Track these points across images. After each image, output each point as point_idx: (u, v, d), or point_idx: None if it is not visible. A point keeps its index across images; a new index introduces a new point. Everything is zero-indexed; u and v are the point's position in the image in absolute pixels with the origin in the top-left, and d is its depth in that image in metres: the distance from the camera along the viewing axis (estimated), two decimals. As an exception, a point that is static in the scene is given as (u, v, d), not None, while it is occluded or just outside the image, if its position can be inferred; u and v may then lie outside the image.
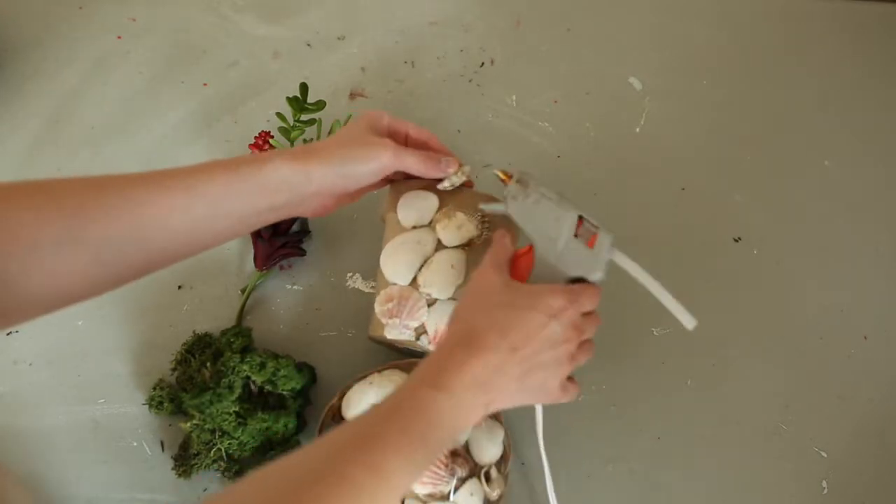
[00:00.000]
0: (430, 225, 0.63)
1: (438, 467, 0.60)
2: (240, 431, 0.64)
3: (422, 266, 0.63)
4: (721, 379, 0.69)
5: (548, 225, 0.54)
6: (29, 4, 0.88)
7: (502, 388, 0.49)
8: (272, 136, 0.74)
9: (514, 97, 0.80)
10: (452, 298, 0.62)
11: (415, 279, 0.63)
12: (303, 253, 0.74)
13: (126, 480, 0.68)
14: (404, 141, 0.59)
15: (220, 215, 0.52)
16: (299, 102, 0.73)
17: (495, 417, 0.63)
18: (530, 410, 0.61)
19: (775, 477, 0.66)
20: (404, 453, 0.44)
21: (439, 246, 0.63)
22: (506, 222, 0.61)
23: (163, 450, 0.69)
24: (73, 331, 0.73)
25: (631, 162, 0.77)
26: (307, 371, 0.68)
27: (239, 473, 0.65)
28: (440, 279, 0.61)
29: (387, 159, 0.55)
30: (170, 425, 0.69)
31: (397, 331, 0.62)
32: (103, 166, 0.79)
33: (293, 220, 0.73)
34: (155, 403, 0.68)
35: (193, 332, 0.71)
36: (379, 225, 0.67)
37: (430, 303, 0.62)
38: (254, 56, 0.84)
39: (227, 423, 0.64)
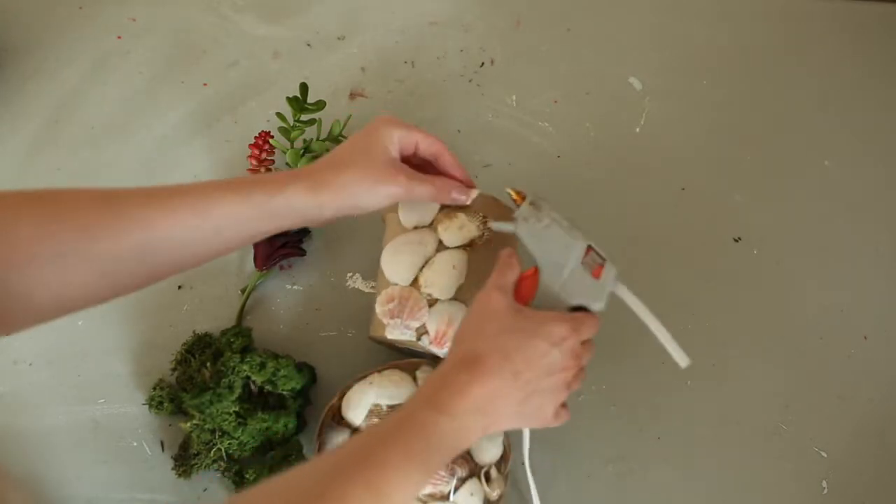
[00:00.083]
0: (432, 225, 0.63)
1: (438, 467, 0.60)
2: (240, 431, 0.64)
3: (423, 266, 0.63)
4: (721, 379, 0.69)
5: (556, 251, 0.54)
6: (29, 4, 0.88)
7: (502, 412, 0.50)
8: (272, 136, 0.74)
9: (514, 97, 0.80)
10: (454, 299, 0.62)
11: (416, 280, 0.62)
12: (303, 253, 0.74)
13: (126, 480, 0.68)
14: (414, 150, 0.59)
15: (227, 236, 0.52)
16: (299, 102, 0.73)
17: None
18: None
19: (775, 477, 0.66)
20: (404, 473, 0.45)
21: (440, 247, 0.63)
22: (505, 238, 0.61)
23: (163, 450, 0.69)
24: (73, 331, 0.73)
25: (631, 162, 0.77)
26: (307, 371, 0.68)
27: (239, 473, 0.65)
28: (441, 280, 0.61)
29: (398, 194, 0.55)
30: (170, 425, 0.69)
31: (398, 331, 0.62)
32: (103, 166, 0.79)
33: (293, 220, 0.73)
34: (155, 403, 0.68)
35: (193, 332, 0.71)
36: (379, 225, 0.67)
37: (432, 303, 0.62)
38: (254, 56, 0.84)
39: (227, 423, 0.64)
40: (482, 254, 0.62)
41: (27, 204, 0.47)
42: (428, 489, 0.59)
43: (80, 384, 0.71)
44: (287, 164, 0.74)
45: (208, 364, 0.66)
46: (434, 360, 0.64)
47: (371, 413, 0.62)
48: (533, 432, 0.61)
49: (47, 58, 0.85)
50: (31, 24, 0.87)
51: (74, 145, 0.81)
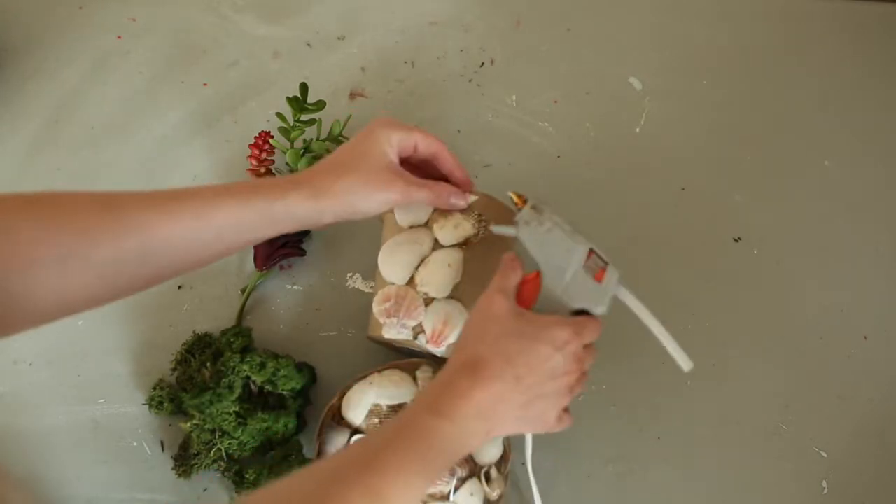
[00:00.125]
0: (427, 224, 0.63)
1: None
2: (240, 431, 0.64)
3: (419, 265, 0.63)
4: (721, 379, 0.69)
5: (558, 255, 0.54)
6: (29, 4, 0.88)
7: (504, 416, 0.50)
8: (272, 136, 0.74)
9: (514, 97, 0.80)
10: (450, 297, 0.62)
11: (412, 279, 0.63)
12: (303, 253, 0.74)
13: (126, 480, 0.68)
14: (413, 150, 0.59)
15: (227, 240, 0.53)
16: (299, 102, 0.73)
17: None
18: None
19: (775, 477, 0.66)
20: (405, 479, 0.45)
21: (436, 245, 0.63)
22: (501, 237, 0.61)
23: (163, 450, 0.69)
24: (73, 331, 0.73)
25: (631, 162, 0.77)
26: (307, 371, 0.68)
27: (239, 473, 0.65)
28: (437, 278, 0.61)
29: (396, 199, 0.56)
30: (170, 425, 0.69)
31: (395, 330, 0.62)
32: (103, 166, 0.79)
33: (293, 220, 0.73)
34: (155, 403, 0.68)
35: (193, 332, 0.71)
36: (378, 225, 0.67)
37: (428, 302, 0.62)
38: (254, 56, 0.84)
39: (227, 423, 0.64)
40: (478, 252, 0.63)
41: (27, 207, 0.47)
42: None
43: (80, 384, 0.71)
44: (287, 164, 0.74)
45: (208, 364, 0.66)
46: (433, 359, 0.64)
47: (371, 413, 0.62)
48: (535, 435, 0.61)
49: (47, 58, 0.85)
50: (31, 24, 0.87)
51: (74, 145, 0.81)
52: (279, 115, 0.74)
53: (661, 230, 0.74)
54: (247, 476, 0.64)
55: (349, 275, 0.74)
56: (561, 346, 0.51)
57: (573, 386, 0.53)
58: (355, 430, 0.62)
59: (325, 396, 0.68)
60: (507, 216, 0.59)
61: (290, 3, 0.86)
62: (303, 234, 0.74)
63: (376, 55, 0.83)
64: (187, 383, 0.67)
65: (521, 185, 0.68)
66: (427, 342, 0.61)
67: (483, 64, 0.82)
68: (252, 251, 0.73)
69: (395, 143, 0.56)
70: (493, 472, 0.61)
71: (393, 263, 0.63)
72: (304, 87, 0.73)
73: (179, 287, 0.74)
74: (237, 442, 0.64)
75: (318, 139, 0.75)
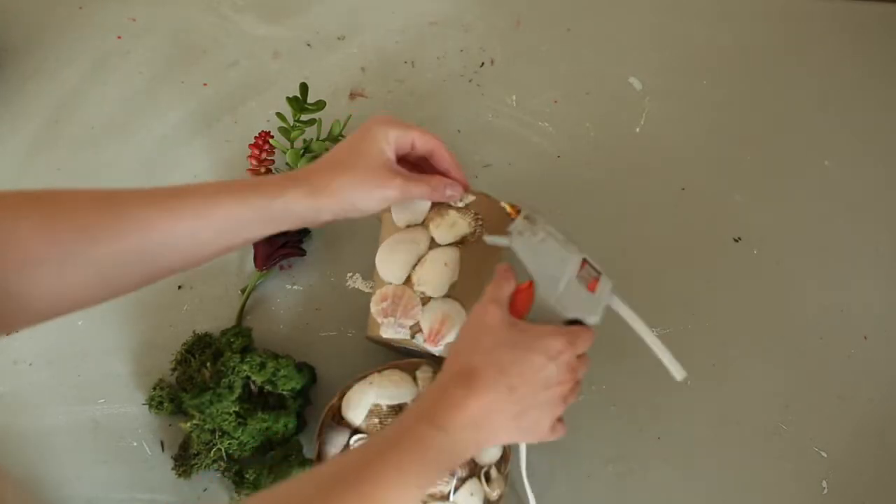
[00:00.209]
0: (424, 224, 0.64)
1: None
2: (240, 431, 0.64)
3: (415, 265, 0.63)
4: (721, 379, 0.69)
5: (552, 265, 0.55)
6: (29, 4, 0.88)
7: (497, 426, 0.50)
8: (272, 136, 0.74)
9: (514, 97, 0.80)
10: (447, 296, 0.62)
11: (409, 278, 0.63)
12: (303, 253, 0.74)
13: (126, 480, 0.68)
14: (410, 148, 0.59)
15: (226, 238, 0.53)
16: (299, 102, 0.73)
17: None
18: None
19: (775, 477, 0.66)
20: (400, 488, 0.45)
21: (433, 244, 0.63)
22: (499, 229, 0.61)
23: (163, 450, 0.69)
24: (73, 331, 0.73)
25: (631, 162, 0.77)
26: (307, 371, 0.68)
27: (239, 473, 0.65)
28: (433, 277, 0.62)
29: (394, 196, 0.56)
30: (170, 425, 0.69)
31: (392, 330, 0.62)
32: (103, 166, 0.79)
33: (293, 220, 0.73)
34: (155, 403, 0.68)
35: (193, 332, 0.71)
36: (378, 225, 0.67)
37: (425, 301, 0.62)
38: (254, 56, 0.84)
39: (227, 423, 0.64)
40: (474, 251, 0.63)
41: (27, 204, 0.47)
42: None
43: (80, 384, 0.71)
44: (287, 164, 0.74)
45: (208, 364, 0.66)
46: (432, 358, 0.64)
47: (371, 413, 0.62)
48: (529, 445, 0.61)
49: (47, 58, 0.85)
50: (31, 24, 0.87)
51: (74, 145, 0.81)
52: (279, 115, 0.74)
53: (661, 230, 0.74)
54: (247, 476, 0.64)
55: (349, 275, 0.74)
56: (554, 356, 0.51)
57: (566, 396, 0.53)
58: (355, 430, 0.62)
59: (325, 396, 0.68)
60: (504, 216, 0.59)
61: (290, 3, 0.86)
62: (303, 234, 0.74)
63: (376, 55, 0.83)
64: (187, 383, 0.67)
65: (521, 185, 0.68)
66: (424, 341, 0.61)
67: (483, 64, 0.82)
68: (252, 251, 0.73)
69: (392, 141, 0.57)
70: (493, 472, 0.61)
71: (390, 263, 0.63)
72: (304, 87, 0.73)
73: (179, 287, 0.74)
74: (237, 442, 0.64)
75: (318, 139, 0.75)
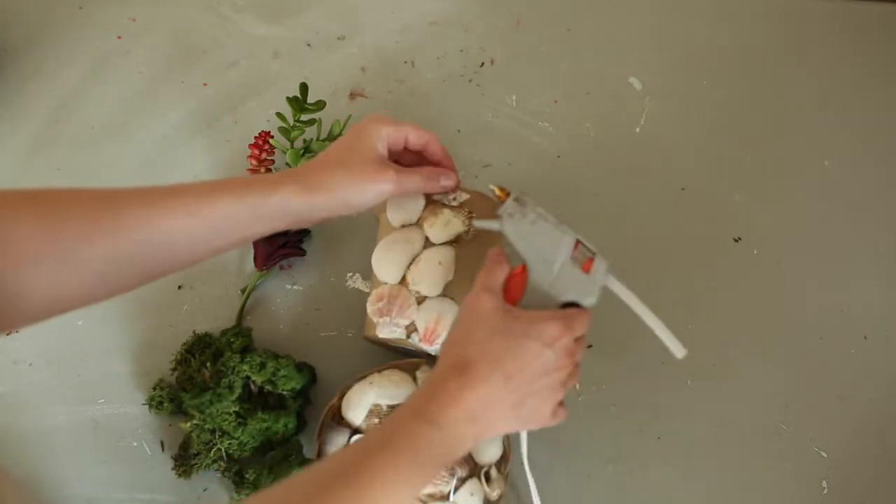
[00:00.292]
0: (419, 223, 0.64)
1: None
2: (240, 431, 0.64)
3: (410, 264, 0.63)
4: (721, 379, 0.69)
5: (544, 247, 0.53)
6: (29, 4, 0.88)
7: (495, 417, 0.49)
8: (272, 136, 0.74)
9: (514, 97, 0.80)
10: (443, 295, 0.62)
11: (404, 278, 0.63)
12: (303, 253, 0.74)
13: (126, 480, 0.68)
14: (404, 144, 0.59)
15: (222, 236, 0.53)
16: (299, 102, 0.73)
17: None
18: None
19: (775, 477, 0.66)
20: (392, 488, 0.44)
21: (427, 244, 0.63)
22: (492, 232, 0.60)
23: (163, 450, 0.69)
24: (73, 331, 0.73)
25: (631, 162, 0.77)
26: (307, 371, 0.68)
27: (239, 473, 0.65)
28: (428, 276, 0.62)
29: (389, 190, 0.56)
30: (170, 425, 0.69)
31: (388, 329, 0.62)
32: (103, 166, 0.79)
33: (293, 220, 0.73)
34: (155, 403, 0.68)
35: (193, 332, 0.71)
36: (377, 225, 0.67)
37: (421, 301, 0.62)
38: (254, 56, 0.84)
39: (227, 423, 0.64)
40: (469, 249, 0.63)
41: (26, 203, 0.47)
42: (428, 489, 0.59)
43: (80, 384, 0.71)
44: (287, 164, 0.74)
45: (208, 364, 0.66)
46: (429, 358, 0.64)
47: (371, 413, 0.62)
48: (531, 431, 0.61)
49: (47, 58, 0.85)
50: (31, 24, 0.87)
51: (74, 145, 0.81)
52: (279, 115, 0.74)
53: (661, 230, 0.74)
54: (247, 476, 0.64)
55: (349, 275, 0.74)
56: (551, 342, 0.50)
57: (566, 381, 0.52)
58: (355, 430, 0.62)
59: (325, 396, 0.68)
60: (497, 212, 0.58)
61: (290, 3, 0.86)
62: (303, 234, 0.74)
63: (376, 55, 0.83)
64: (187, 383, 0.67)
65: (521, 185, 0.68)
66: (420, 341, 0.61)
67: (483, 64, 0.82)
68: (252, 251, 0.73)
69: (384, 137, 0.57)
70: (493, 472, 0.61)
71: (386, 263, 0.63)
72: (304, 87, 0.73)
73: (179, 287, 0.74)
74: (237, 442, 0.64)
75: (318, 139, 0.75)
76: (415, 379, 0.63)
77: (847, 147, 0.77)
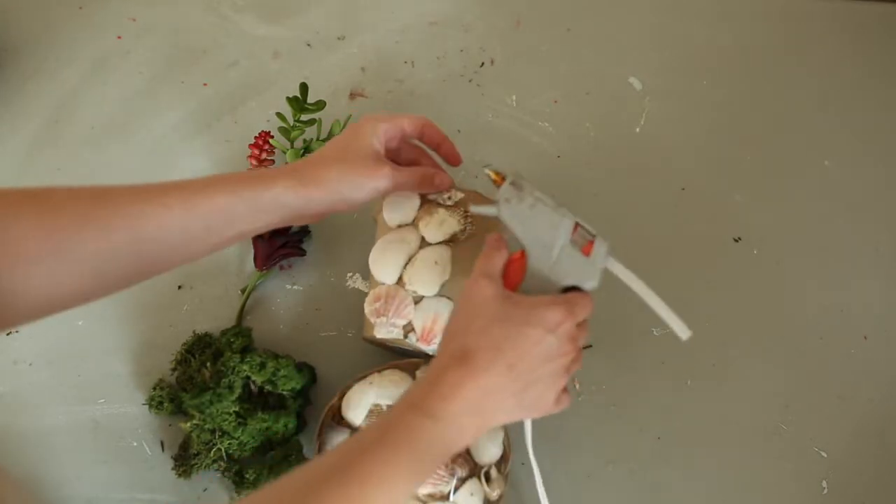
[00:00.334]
0: (414, 223, 0.64)
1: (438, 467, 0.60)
2: (240, 431, 0.64)
3: (406, 264, 0.63)
4: (721, 379, 0.69)
5: (543, 231, 0.52)
6: (29, 4, 0.88)
7: (497, 407, 0.48)
8: (272, 136, 0.74)
9: (514, 97, 0.80)
10: (440, 295, 0.62)
11: (401, 278, 0.63)
12: (303, 253, 0.74)
13: (126, 480, 0.68)
14: (401, 136, 0.59)
15: (218, 232, 0.53)
16: (299, 102, 0.73)
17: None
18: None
19: (775, 477, 0.66)
20: (389, 483, 0.43)
21: (423, 243, 0.63)
22: (489, 229, 0.60)
23: (163, 450, 0.69)
24: (73, 331, 0.73)
25: (631, 162, 0.77)
26: (307, 371, 0.68)
27: (239, 473, 0.65)
28: (424, 276, 0.62)
29: (385, 185, 0.56)
30: (170, 425, 0.69)
31: (385, 329, 0.62)
32: (103, 166, 0.79)
33: (293, 220, 0.73)
34: (155, 403, 0.68)
35: (193, 332, 0.71)
36: (376, 225, 0.67)
37: (418, 300, 0.62)
38: (254, 56, 0.84)
39: (227, 423, 0.64)
40: (465, 248, 0.63)
41: (27, 202, 0.47)
42: (428, 489, 0.59)
43: (80, 384, 0.71)
44: (287, 164, 0.74)
45: (208, 364, 0.66)
46: (427, 358, 0.64)
47: (371, 413, 0.62)
48: (533, 423, 0.61)
49: (47, 58, 0.85)
50: (31, 24, 0.87)
51: (74, 145, 0.81)
52: (279, 115, 0.74)
53: (661, 230, 0.74)
54: (247, 476, 0.64)
55: (349, 275, 0.74)
56: (553, 327, 0.48)
57: (569, 366, 0.50)
58: (355, 430, 0.62)
59: (325, 396, 0.68)
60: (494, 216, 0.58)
61: (290, 3, 0.86)
62: (303, 234, 0.74)
63: (376, 55, 0.83)
64: (187, 383, 0.67)
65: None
66: (417, 340, 0.61)
67: (483, 64, 0.82)
68: (252, 251, 0.73)
69: (381, 134, 0.57)
70: (493, 472, 0.61)
71: (382, 263, 0.63)
72: (304, 87, 0.73)
73: (179, 287, 0.74)
74: (237, 442, 0.64)
75: (318, 139, 0.75)
76: (414, 379, 0.63)
77: (847, 147, 0.77)
